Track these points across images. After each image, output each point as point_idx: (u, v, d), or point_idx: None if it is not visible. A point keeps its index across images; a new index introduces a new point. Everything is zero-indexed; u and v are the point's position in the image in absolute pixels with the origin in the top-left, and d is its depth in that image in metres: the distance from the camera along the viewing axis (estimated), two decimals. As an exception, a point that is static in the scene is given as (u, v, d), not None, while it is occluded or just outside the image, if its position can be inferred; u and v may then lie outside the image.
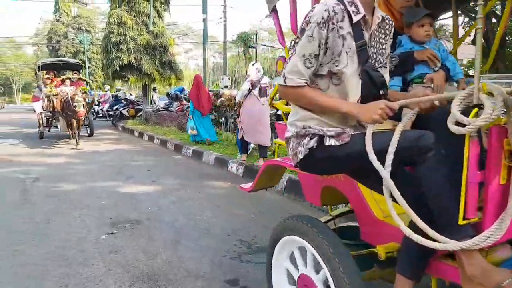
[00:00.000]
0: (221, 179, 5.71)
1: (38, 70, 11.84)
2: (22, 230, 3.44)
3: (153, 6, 12.95)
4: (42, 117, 10.47)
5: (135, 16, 13.39)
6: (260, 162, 5.86)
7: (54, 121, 10.65)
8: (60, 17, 30.98)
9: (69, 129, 9.40)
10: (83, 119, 8.89)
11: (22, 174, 5.77)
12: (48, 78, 10.84)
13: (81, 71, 13.07)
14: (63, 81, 10.50)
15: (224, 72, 19.39)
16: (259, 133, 5.85)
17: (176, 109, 13.86)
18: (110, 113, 16.72)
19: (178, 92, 14.56)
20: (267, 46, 32.95)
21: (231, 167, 6.22)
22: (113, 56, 13.20)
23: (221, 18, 19.76)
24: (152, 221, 3.76)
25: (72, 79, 10.64)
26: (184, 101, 13.09)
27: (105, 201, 4.39)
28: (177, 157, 7.94)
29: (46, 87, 10.33)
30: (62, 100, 9.04)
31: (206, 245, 3.17)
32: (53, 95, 9.60)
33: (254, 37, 20.30)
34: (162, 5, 13.96)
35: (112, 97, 18.18)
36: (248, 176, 5.70)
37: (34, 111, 11.32)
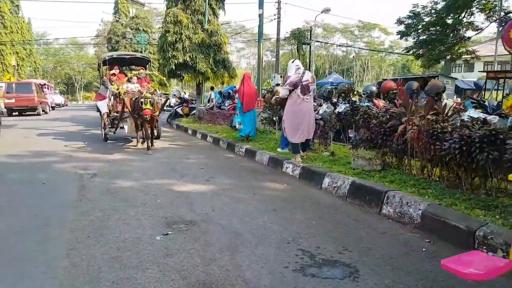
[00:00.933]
0: (276, 180, 5.43)
1: (103, 65, 10.63)
2: (78, 227, 3.40)
3: (208, 4, 13.00)
4: (107, 117, 9.29)
5: (190, 15, 13.51)
6: (301, 154, 6.04)
7: (120, 122, 9.55)
8: (119, 18, 32.48)
9: (138, 131, 8.53)
10: (155, 119, 7.76)
11: (81, 169, 5.89)
12: (113, 74, 9.77)
13: (147, 66, 11.61)
14: (129, 79, 9.62)
15: (276, 70, 19.12)
16: (304, 131, 5.85)
17: (228, 107, 13.84)
18: None
19: (230, 91, 14.55)
20: (321, 42, 32.17)
21: (286, 167, 5.92)
22: (169, 55, 13.42)
23: (275, 15, 19.51)
24: (207, 223, 3.57)
25: (138, 75, 9.60)
26: (236, 100, 13.04)
27: (160, 200, 4.29)
28: (229, 155, 7.79)
29: (112, 84, 9.25)
30: (133, 99, 8.01)
31: (264, 254, 2.90)
32: (123, 94, 8.51)
33: (308, 33, 19.78)
34: (217, 3, 13.97)
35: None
36: (305, 178, 5.36)
37: (98, 110, 10.62)
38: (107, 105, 9.37)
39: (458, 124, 4.88)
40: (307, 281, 2.49)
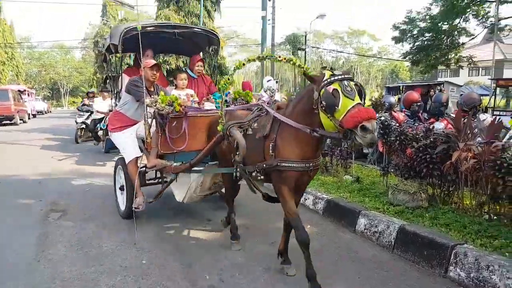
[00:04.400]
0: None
1: (114, 52, 4.55)
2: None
3: (203, 6, 11.93)
4: (137, 170, 3.95)
5: (184, 17, 12.41)
6: None
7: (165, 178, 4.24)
8: (107, 21, 31.14)
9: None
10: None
11: (48, 205, 4.67)
12: (156, 66, 4.00)
13: (210, 51, 5.63)
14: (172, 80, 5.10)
15: (271, 75, 18.13)
16: None
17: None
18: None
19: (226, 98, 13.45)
20: (316, 48, 31.38)
21: (305, 199, 4.84)
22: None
23: (269, 20, 18.54)
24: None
25: (193, 74, 4.74)
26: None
27: (146, 259, 3.16)
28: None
29: (152, 93, 3.96)
30: (251, 124, 3.06)
31: None
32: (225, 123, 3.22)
33: (303, 38, 18.89)
34: (213, 5, 12.91)
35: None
36: (332, 215, 4.29)
37: (108, 147, 8.19)
38: (143, 139, 3.99)
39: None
40: None
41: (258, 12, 10.63)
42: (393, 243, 3.43)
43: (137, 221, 3.79)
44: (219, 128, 3.19)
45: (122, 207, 4.24)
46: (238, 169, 3.12)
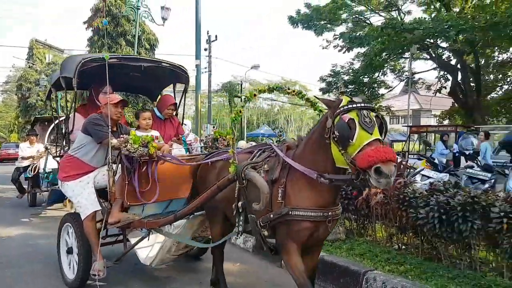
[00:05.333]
0: (226, 257, 4.43)
1: (65, 87, 3.88)
2: None
3: (137, 52, 12.19)
4: (95, 229, 3.32)
5: (116, 62, 12.49)
6: None
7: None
8: (33, 64, 29.74)
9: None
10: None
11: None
12: (122, 102, 3.43)
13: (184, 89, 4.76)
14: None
15: (208, 120, 18.61)
16: None
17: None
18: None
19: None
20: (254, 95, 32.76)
21: (236, 238, 4.97)
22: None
23: (205, 68, 19.35)
24: None
25: (160, 114, 4.04)
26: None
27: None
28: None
29: (117, 133, 3.37)
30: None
31: None
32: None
33: (239, 86, 19.85)
34: (147, 52, 13.23)
35: None
36: (260, 252, 4.48)
37: (51, 199, 7.15)
38: (103, 189, 3.40)
39: (419, 186, 4.58)
40: None
41: (193, 60, 11.10)
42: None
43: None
44: (231, 169, 2.65)
45: (71, 275, 3.40)
46: (247, 221, 2.63)
